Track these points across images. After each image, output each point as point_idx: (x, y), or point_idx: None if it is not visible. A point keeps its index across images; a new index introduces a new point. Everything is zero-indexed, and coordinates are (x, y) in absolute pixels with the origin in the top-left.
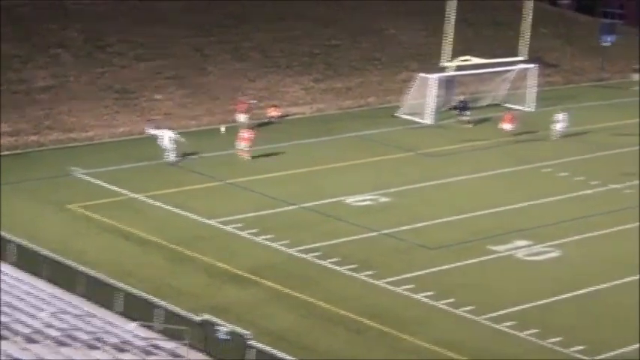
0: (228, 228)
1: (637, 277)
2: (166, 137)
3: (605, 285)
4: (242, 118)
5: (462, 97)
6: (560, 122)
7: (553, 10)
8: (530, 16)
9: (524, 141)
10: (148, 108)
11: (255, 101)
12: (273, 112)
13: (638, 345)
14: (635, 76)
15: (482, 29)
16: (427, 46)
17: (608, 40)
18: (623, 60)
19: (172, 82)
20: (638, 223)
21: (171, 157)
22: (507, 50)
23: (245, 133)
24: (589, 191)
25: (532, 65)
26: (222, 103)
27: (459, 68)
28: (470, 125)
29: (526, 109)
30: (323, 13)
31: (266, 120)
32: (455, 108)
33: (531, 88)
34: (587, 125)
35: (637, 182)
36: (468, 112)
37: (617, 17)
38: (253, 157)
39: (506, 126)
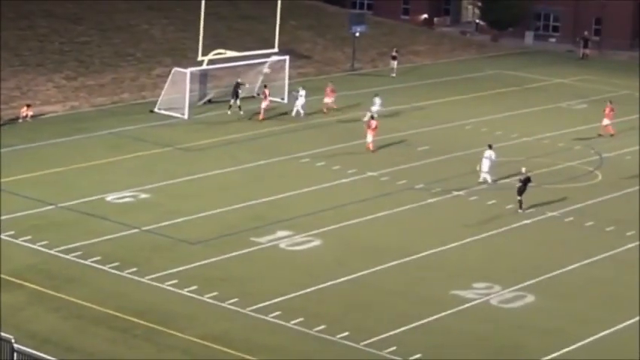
0: None
1: (395, 263)
2: None
3: (365, 272)
4: None
5: (242, 82)
6: (299, 99)
7: (302, 2)
8: (279, 8)
9: (280, 133)
10: None
11: None
12: (26, 112)
13: (402, 328)
14: (394, 64)
15: (234, 23)
16: (180, 41)
17: (357, 31)
18: (373, 49)
19: None
20: (394, 210)
21: None
22: (260, 43)
23: None
24: (346, 180)
25: (283, 57)
26: None
27: (214, 62)
28: (242, 112)
29: (281, 101)
30: (72, 10)
31: (20, 120)
32: (233, 95)
33: (284, 80)
34: (339, 115)
35: (393, 169)
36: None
37: (366, 8)
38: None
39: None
